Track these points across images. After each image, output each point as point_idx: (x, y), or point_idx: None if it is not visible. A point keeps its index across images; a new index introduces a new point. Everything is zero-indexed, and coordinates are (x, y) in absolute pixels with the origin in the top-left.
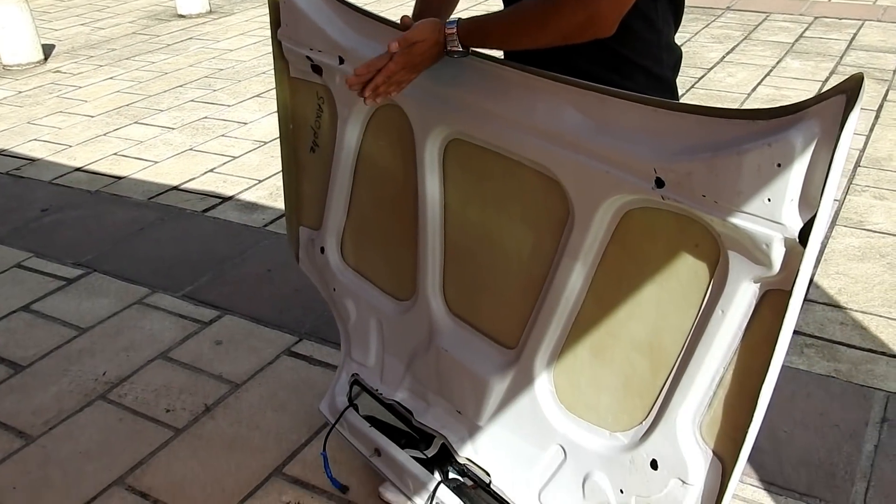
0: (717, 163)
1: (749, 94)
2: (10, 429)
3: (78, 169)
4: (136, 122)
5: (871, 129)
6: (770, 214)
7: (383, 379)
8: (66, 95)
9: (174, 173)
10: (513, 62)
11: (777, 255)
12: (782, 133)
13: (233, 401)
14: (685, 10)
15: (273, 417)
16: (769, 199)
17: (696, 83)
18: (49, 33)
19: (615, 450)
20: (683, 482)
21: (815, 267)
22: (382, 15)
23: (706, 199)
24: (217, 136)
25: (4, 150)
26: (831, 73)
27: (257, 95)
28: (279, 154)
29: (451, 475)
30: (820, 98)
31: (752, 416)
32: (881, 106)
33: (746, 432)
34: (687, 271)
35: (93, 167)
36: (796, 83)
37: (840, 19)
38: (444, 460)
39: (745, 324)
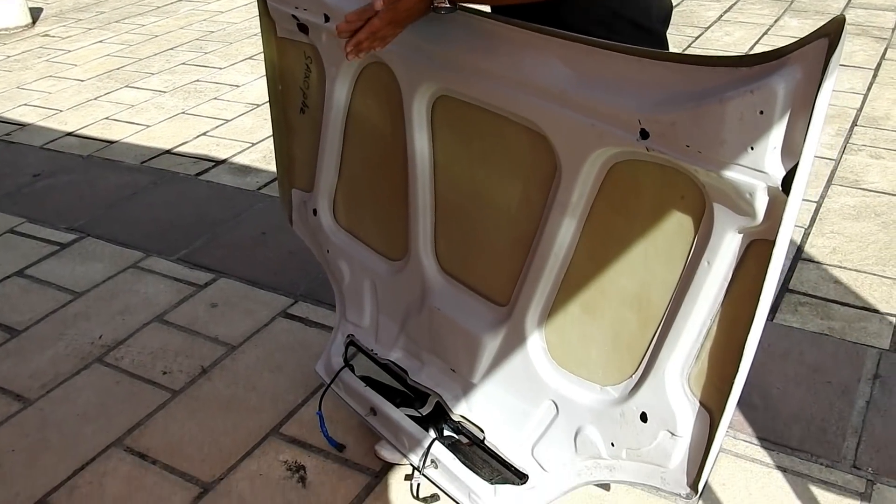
0: (701, 112)
1: (746, 53)
2: (8, 392)
3: (69, 134)
4: (126, 86)
5: (869, 88)
6: (753, 163)
7: (378, 339)
8: (56, 59)
9: (166, 137)
10: (499, 16)
11: (761, 204)
12: (765, 79)
13: (229, 362)
14: None
15: (269, 378)
16: (752, 148)
17: (693, 42)
18: None
19: (606, 404)
20: (672, 434)
21: (811, 226)
22: None
23: (690, 149)
24: (209, 99)
25: None
26: None
27: (249, 58)
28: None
29: (446, 432)
30: (802, 43)
31: (739, 366)
32: (879, 65)
33: (733, 383)
34: (673, 224)
35: (84, 132)
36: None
37: None
38: (438, 418)
39: (731, 275)
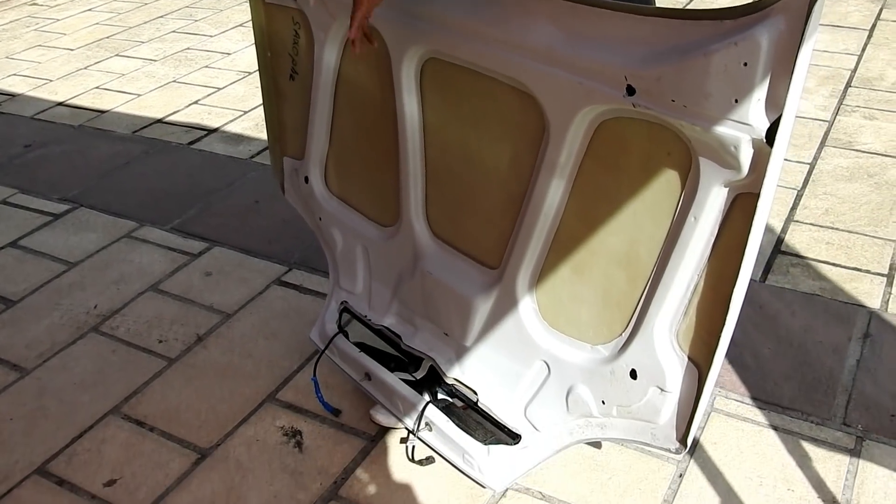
0: (686, 66)
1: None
2: (5, 362)
3: (60, 103)
4: (116, 55)
5: (864, 49)
6: (738, 116)
7: (371, 305)
8: (45, 29)
9: (158, 106)
10: None
11: (745, 156)
12: (748, 31)
13: (225, 330)
14: None
15: (265, 345)
16: (736, 100)
17: (688, 3)
18: None
19: (596, 362)
20: (662, 390)
21: (803, 188)
22: None
23: (675, 103)
24: (200, 68)
25: None
26: None
27: (240, 25)
28: None
29: (440, 396)
30: None
31: (725, 320)
32: (874, 25)
33: (720, 336)
34: (660, 180)
35: (75, 101)
36: None
37: None
38: (432, 382)
39: (717, 229)
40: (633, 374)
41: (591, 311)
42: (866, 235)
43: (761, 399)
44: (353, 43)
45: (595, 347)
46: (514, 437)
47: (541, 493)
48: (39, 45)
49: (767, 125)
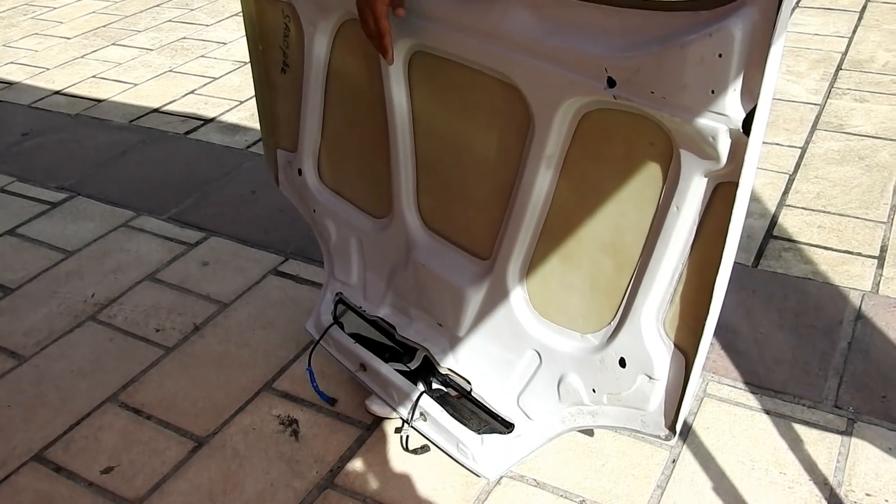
0: (663, 57)
1: None
2: (3, 349)
3: (57, 92)
4: (113, 44)
5: (854, 31)
6: (714, 106)
7: (366, 296)
8: (41, 17)
9: (154, 95)
10: None
11: (723, 146)
12: (722, 22)
13: (221, 320)
14: None
15: (261, 335)
16: (713, 91)
17: None
18: None
19: (586, 351)
20: (650, 377)
21: (795, 172)
22: None
23: (655, 95)
24: (196, 57)
25: None
26: None
27: (236, 14)
28: None
29: (434, 385)
30: None
31: (710, 307)
32: (864, 7)
33: (705, 323)
34: (643, 171)
35: (72, 90)
36: None
37: None
38: (426, 372)
39: (699, 219)
40: (622, 363)
41: (580, 301)
42: (857, 218)
43: (754, 383)
44: (385, 54)
45: (585, 336)
46: (507, 426)
47: (535, 480)
48: (36, 34)
49: (744, 115)
